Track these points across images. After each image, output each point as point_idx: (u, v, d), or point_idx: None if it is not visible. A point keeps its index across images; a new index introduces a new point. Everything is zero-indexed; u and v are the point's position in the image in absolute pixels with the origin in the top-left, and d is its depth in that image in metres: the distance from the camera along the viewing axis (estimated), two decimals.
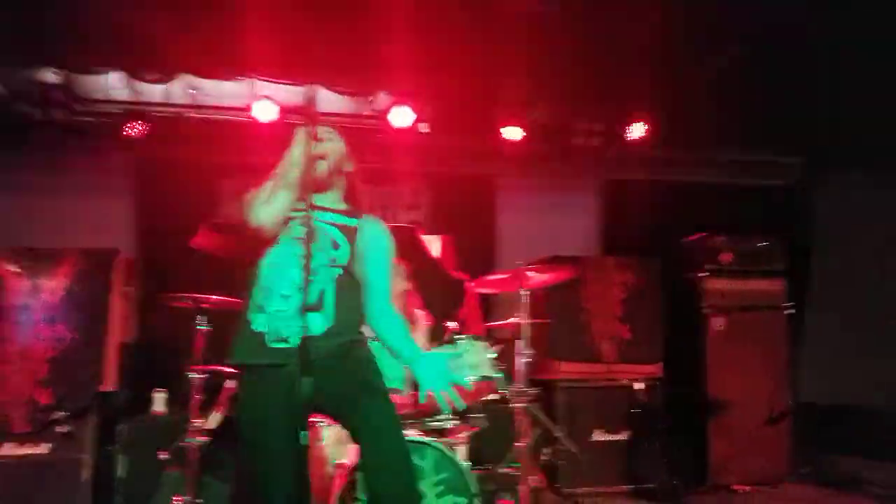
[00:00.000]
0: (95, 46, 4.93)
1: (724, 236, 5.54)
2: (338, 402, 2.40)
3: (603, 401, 5.10)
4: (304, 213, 2.21)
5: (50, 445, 4.30)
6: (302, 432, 2.08)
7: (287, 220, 2.41)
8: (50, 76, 5.19)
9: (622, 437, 5.10)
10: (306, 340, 2.10)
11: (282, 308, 2.31)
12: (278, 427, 2.23)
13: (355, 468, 3.17)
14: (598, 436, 5.06)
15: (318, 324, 2.32)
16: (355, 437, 2.43)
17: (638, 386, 5.11)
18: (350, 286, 2.44)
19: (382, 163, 6.02)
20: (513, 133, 5.97)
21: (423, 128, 6.04)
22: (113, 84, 5.41)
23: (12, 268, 4.40)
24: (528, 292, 4.07)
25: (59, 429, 4.29)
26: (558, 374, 5.09)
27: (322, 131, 2.47)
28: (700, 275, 5.43)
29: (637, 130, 6.03)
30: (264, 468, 2.31)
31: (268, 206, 2.36)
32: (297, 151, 2.37)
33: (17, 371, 4.28)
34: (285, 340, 2.28)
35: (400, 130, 5.72)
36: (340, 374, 2.33)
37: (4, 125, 5.37)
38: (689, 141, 6.52)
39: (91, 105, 5.49)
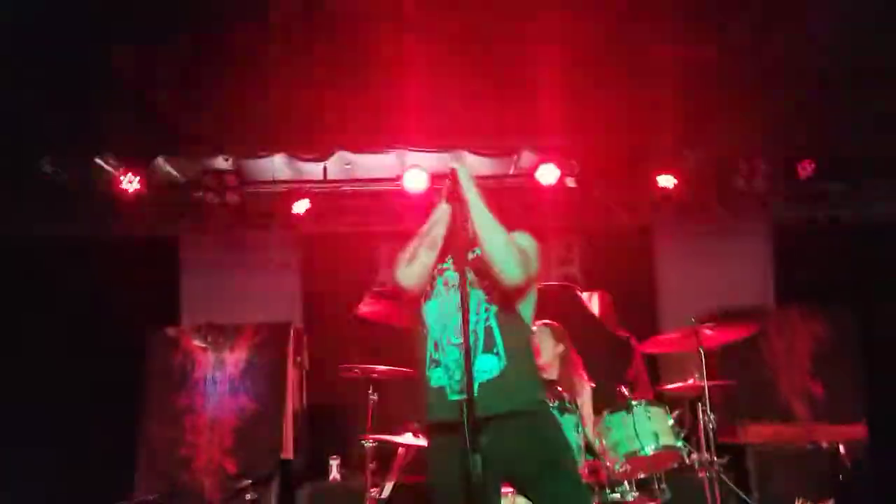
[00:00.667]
0: (260, 132, 5.33)
1: None
2: (522, 478, 2.32)
3: (801, 466, 4.61)
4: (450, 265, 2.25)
5: None
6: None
7: (435, 275, 2.43)
8: (222, 163, 5.66)
9: None
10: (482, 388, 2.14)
11: (456, 356, 2.27)
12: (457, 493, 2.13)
13: None
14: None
15: (493, 365, 2.28)
16: None
17: (842, 448, 4.55)
18: (512, 319, 2.39)
19: (530, 219, 5.98)
20: (667, 180, 5.71)
21: (570, 182, 5.96)
22: (277, 166, 5.82)
23: (199, 342, 4.73)
24: (704, 350, 3.78)
25: (247, 497, 4.47)
26: (747, 438, 4.66)
27: None
28: None
29: (806, 169, 5.56)
30: None
31: (409, 266, 2.41)
32: (441, 209, 2.42)
33: (208, 441, 4.57)
34: (463, 391, 2.20)
35: (548, 188, 5.65)
36: (525, 447, 2.25)
37: (187, 209, 5.90)
38: (866, 171, 5.93)
39: (259, 187, 5.92)
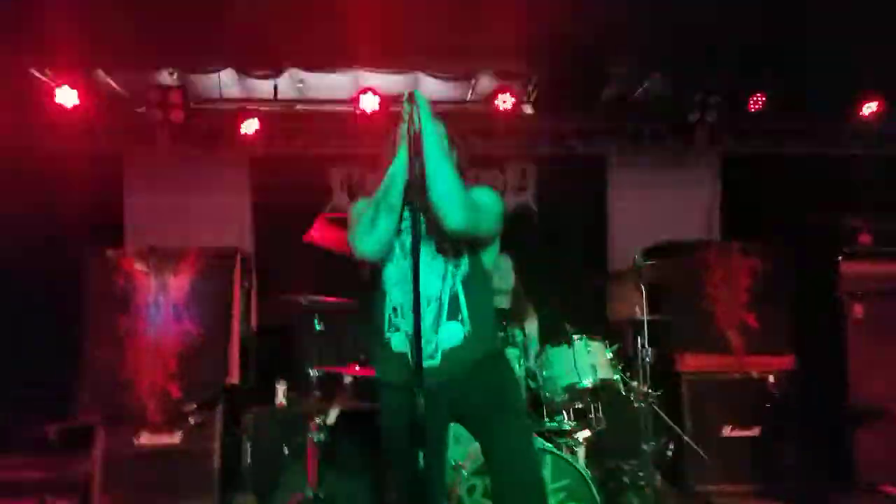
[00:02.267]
0: (206, 45, 5.06)
1: (862, 215, 5.03)
2: (470, 420, 2.38)
3: (732, 394, 4.80)
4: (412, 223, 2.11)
5: (181, 435, 4.52)
6: (420, 451, 2.00)
7: (399, 230, 2.34)
8: (167, 78, 5.39)
9: (753, 432, 4.80)
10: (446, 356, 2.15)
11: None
12: (405, 440, 2.18)
13: (475, 472, 3.12)
14: (728, 431, 4.77)
15: (457, 333, 2.27)
16: (486, 456, 2.37)
17: (771, 379, 4.76)
18: (478, 281, 2.35)
19: (487, 147, 5.93)
20: (621, 110, 5.67)
21: (527, 109, 5.89)
22: (225, 82, 5.56)
23: (141, 267, 4.63)
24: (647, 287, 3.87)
25: (190, 420, 4.50)
26: (684, 367, 4.82)
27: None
28: (836, 258, 4.97)
29: (758, 100, 5.58)
30: (396, 480, 2.39)
31: (370, 234, 2.29)
32: (398, 162, 2.26)
33: (151, 365, 4.52)
34: (430, 357, 2.24)
35: (504, 114, 5.57)
36: (474, 392, 2.28)
37: (131, 126, 5.65)
38: (818, 108, 5.98)
39: (206, 104, 5.68)
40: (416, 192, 2.12)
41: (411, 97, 2.16)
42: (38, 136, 5.54)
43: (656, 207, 6.18)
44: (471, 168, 2.56)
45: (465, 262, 2.34)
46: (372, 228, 2.28)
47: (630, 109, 5.72)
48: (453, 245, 2.33)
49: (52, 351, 5.06)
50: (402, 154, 2.24)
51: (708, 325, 4.89)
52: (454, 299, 2.28)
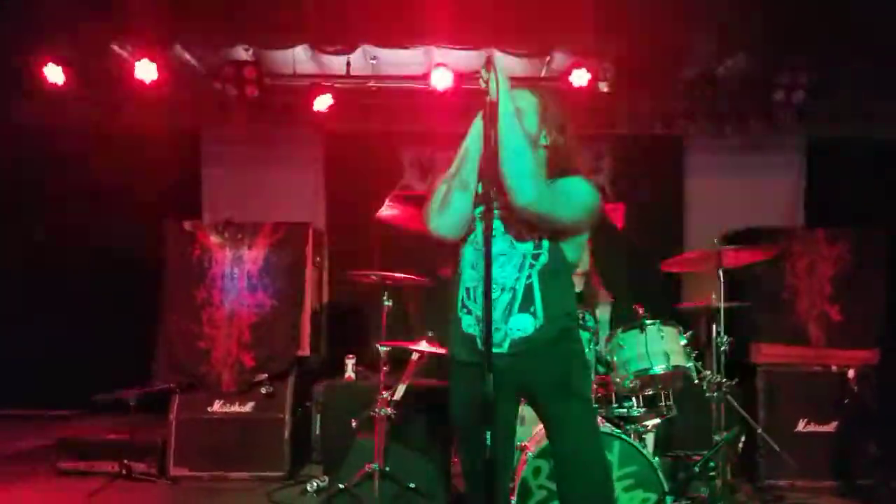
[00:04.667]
0: (280, 21, 5.11)
1: None
2: (536, 400, 2.33)
3: (809, 388, 4.60)
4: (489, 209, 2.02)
5: (253, 404, 4.66)
6: (488, 430, 1.98)
7: (476, 218, 2.27)
8: (242, 53, 5.49)
9: (830, 428, 4.60)
10: (514, 344, 2.12)
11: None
12: (476, 416, 2.16)
13: (540, 454, 3.10)
14: (803, 426, 4.59)
15: (528, 325, 2.21)
16: (549, 438, 2.34)
17: (850, 373, 4.54)
18: (557, 274, 2.27)
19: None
20: (702, 90, 5.46)
21: (603, 87, 5.73)
22: (298, 58, 5.62)
23: (217, 239, 4.76)
24: (724, 272, 3.73)
25: (262, 390, 4.62)
26: (759, 358, 4.65)
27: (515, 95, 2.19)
28: None
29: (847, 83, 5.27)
30: (463, 456, 2.35)
31: (442, 213, 2.24)
32: (472, 137, 2.20)
33: (226, 335, 4.67)
34: (498, 346, 2.18)
35: (579, 91, 5.44)
36: (542, 372, 2.24)
37: (207, 102, 5.79)
38: None
39: (280, 80, 5.76)
40: (489, 165, 2.04)
41: (489, 64, 2.09)
42: (119, 111, 5.73)
43: (737, 192, 5.96)
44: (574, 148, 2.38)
45: (544, 253, 2.26)
46: (444, 206, 2.23)
47: (711, 89, 5.47)
48: (531, 232, 2.25)
49: (133, 320, 5.28)
50: (477, 127, 2.18)
51: (787, 315, 4.69)
52: (528, 290, 2.22)
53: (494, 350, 2.08)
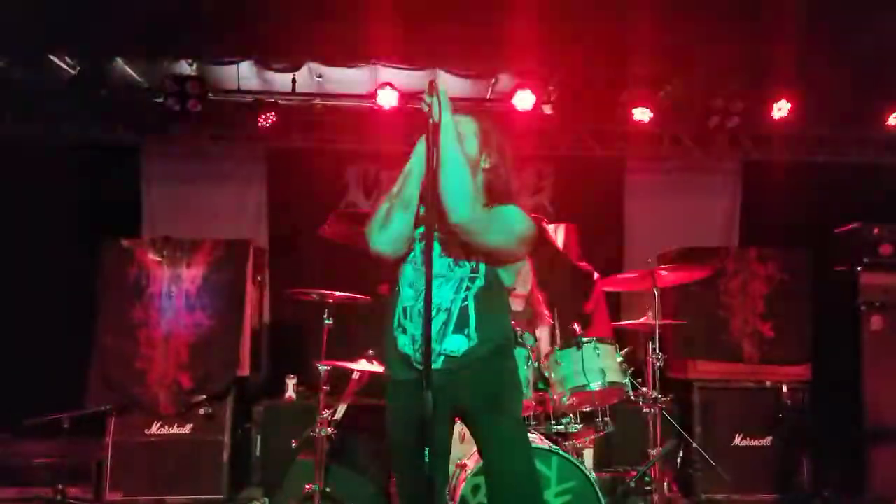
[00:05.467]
0: (225, 36, 5.08)
1: (882, 225, 4.94)
2: (466, 413, 2.34)
3: (744, 404, 4.76)
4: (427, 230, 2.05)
5: (192, 426, 4.56)
6: (425, 449, 1.99)
7: (415, 239, 2.30)
8: (185, 68, 5.42)
9: (765, 442, 4.74)
10: (447, 361, 2.15)
11: (422, 331, 2.17)
12: (413, 435, 2.14)
13: (478, 471, 3.11)
14: (739, 440, 4.73)
15: (461, 345, 2.23)
16: (480, 450, 2.36)
17: (784, 388, 4.70)
18: (492, 297, 2.30)
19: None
20: (642, 114, 5.64)
21: (547, 109, 5.86)
22: (244, 74, 5.58)
23: (154, 256, 4.66)
24: (659, 290, 3.82)
25: (201, 411, 4.53)
26: (694, 374, 4.78)
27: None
28: (855, 268, 4.89)
29: (781, 109, 5.52)
30: (400, 475, 2.38)
31: (383, 231, 2.26)
32: (415, 158, 2.23)
33: (163, 356, 4.56)
34: (433, 363, 2.17)
35: (523, 113, 5.54)
36: (473, 385, 2.25)
37: (146, 117, 5.68)
38: (839, 118, 5.90)
39: (224, 95, 5.70)
40: (430, 187, 2.08)
41: (431, 87, 2.13)
42: (58, 123, 5.59)
43: (674, 213, 6.15)
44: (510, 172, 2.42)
45: (481, 277, 2.29)
46: (386, 225, 2.24)
47: (651, 113, 5.65)
48: (468, 255, 2.28)
49: (66, 339, 5.09)
50: (420, 148, 2.21)
51: (722, 332, 4.84)
52: (463, 312, 2.25)
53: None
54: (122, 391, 4.50)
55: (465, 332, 2.24)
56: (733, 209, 6.38)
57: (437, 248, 2.26)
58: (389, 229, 2.25)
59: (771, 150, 6.17)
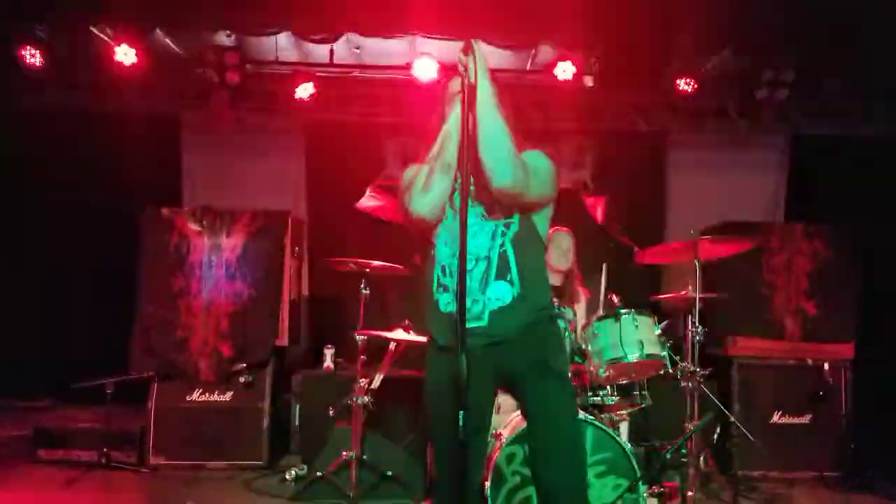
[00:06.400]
0: (264, 7, 5.07)
1: None
2: (513, 382, 2.34)
3: (784, 381, 4.66)
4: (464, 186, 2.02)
5: (232, 394, 4.64)
6: (461, 412, 1.98)
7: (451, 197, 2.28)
8: (224, 39, 5.44)
9: (804, 420, 4.65)
10: (492, 315, 2.14)
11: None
12: (451, 401, 2.13)
13: (514, 440, 3.11)
14: (778, 418, 4.64)
15: (505, 293, 2.22)
16: (526, 419, 2.36)
17: (826, 367, 4.59)
18: (529, 243, 2.29)
19: (545, 120, 5.82)
20: (687, 85, 5.48)
21: (588, 82, 5.74)
22: (282, 45, 5.58)
23: (194, 226, 4.72)
24: (701, 264, 3.74)
25: (241, 379, 4.60)
26: (735, 351, 4.69)
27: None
28: None
29: (829, 81, 5.33)
30: (437, 443, 2.36)
31: (425, 195, 2.23)
32: (453, 118, 2.20)
33: (203, 324, 4.64)
34: (478, 318, 2.20)
35: (563, 85, 5.44)
36: (520, 354, 2.24)
37: (188, 87, 5.74)
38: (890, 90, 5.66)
39: (262, 67, 5.72)
40: (467, 148, 2.04)
41: (468, 47, 2.10)
42: (99, 96, 5.68)
43: (718, 189, 6.00)
44: (524, 138, 2.41)
45: (516, 222, 2.28)
46: (427, 190, 2.22)
47: (695, 85, 5.50)
48: (504, 208, 2.27)
49: (109, 307, 5.22)
50: (456, 110, 2.17)
51: (764, 308, 4.74)
52: (503, 258, 2.23)
53: (474, 323, 2.15)
54: (163, 359, 4.59)
55: (508, 279, 2.23)
56: (780, 185, 6.20)
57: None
58: (430, 193, 2.23)
59: (821, 124, 5.96)
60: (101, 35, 5.23)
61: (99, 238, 5.72)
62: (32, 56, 5.15)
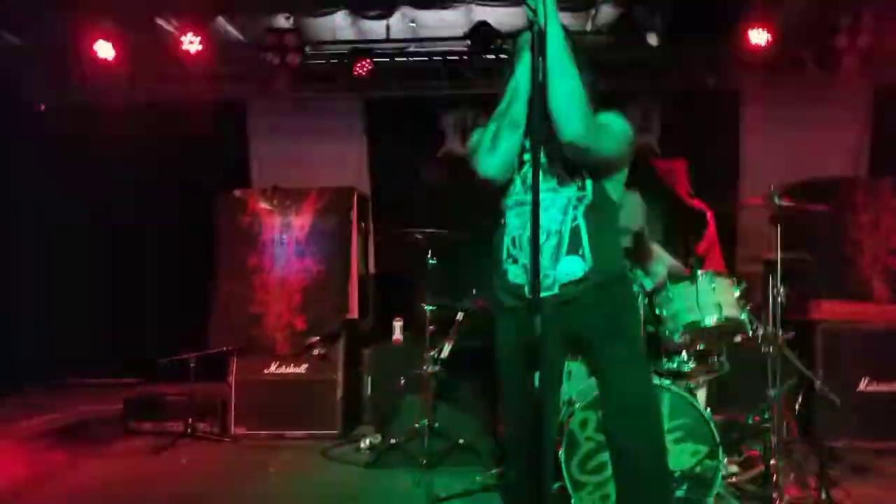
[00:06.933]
0: None
1: None
2: (584, 344, 2.30)
3: (873, 346, 4.40)
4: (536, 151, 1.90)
5: (307, 366, 4.76)
6: (535, 373, 1.94)
7: (521, 161, 2.23)
8: (283, 22, 5.51)
9: (893, 388, 4.41)
10: (564, 288, 2.09)
11: None
12: (521, 361, 2.08)
13: (587, 406, 3.06)
14: (865, 385, 4.41)
15: (577, 267, 2.17)
16: (598, 383, 2.31)
17: None
18: (602, 214, 2.22)
19: (607, 83, 5.64)
20: (759, 36, 5.20)
21: (652, 40, 5.52)
22: (339, 24, 5.62)
23: (265, 205, 4.84)
24: (782, 224, 3.56)
25: (314, 352, 4.72)
26: (819, 315, 4.47)
27: None
28: None
29: None
30: (509, 404, 2.33)
31: (492, 154, 2.16)
32: (521, 74, 2.12)
33: (277, 300, 4.77)
34: (548, 289, 2.15)
35: (626, 44, 5.27)
36: (590, 312, 2.19)
37: (252, 72, 5.84)
38: None
39: (321, 47, 5.77)
40: (538, 100, 1.88)
41: None
42: (168, 85, 5.87)
43: (796, 146, 5.72)
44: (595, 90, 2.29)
45: (588, 192, 2.21)
46: (494, 147, 2.15)
47: (767, 35, 5.21)
48: (576, 170, 2.20)
49: (192, 286, 5.42)
50: (525, 61, 2.09)
51: (849, 270, 4.49)
52: (575, 233, 2.17)
53: (544, 293, 2.07)
54: (241, 334, 4.75)
55: (580, 253, 2.17)
56: (862, 139, 5.85)
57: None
58: (498, 151, 2.16)
59: None
60: (166, 26, 5.38)
61: (176, 222, 5.96)
62: (105, 50, 5.34)
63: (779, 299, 3.43)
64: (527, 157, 2.21)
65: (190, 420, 4.62)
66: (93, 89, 5.84)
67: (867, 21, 5.03)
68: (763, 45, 5.23)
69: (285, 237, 4.81)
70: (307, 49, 5.60)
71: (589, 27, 5.52)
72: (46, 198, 6.25)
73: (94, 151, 6.16)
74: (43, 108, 6.18)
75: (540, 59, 1.87)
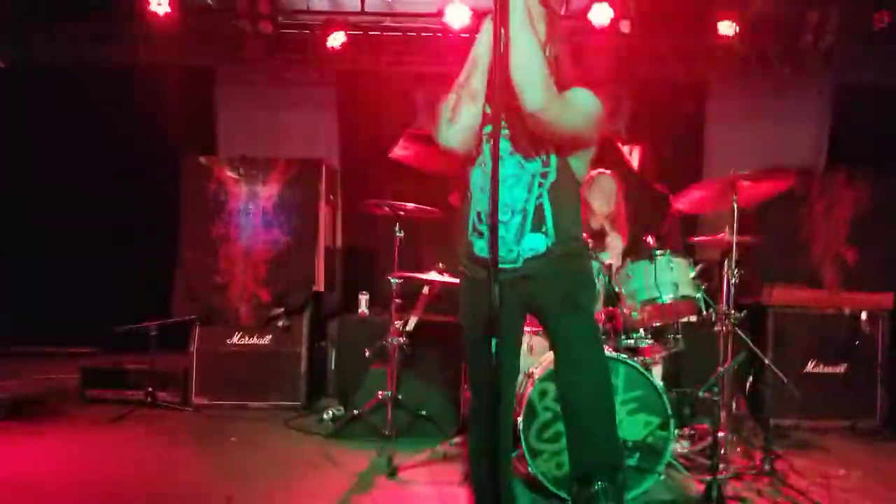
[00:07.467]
0: None
1: None
2: (542, 312, 2.37)
3: (820, 330, 4.60)
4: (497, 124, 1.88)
5: (271, 338, 4.77)
6: (493, 339, 2.00)
7: (483, 139, 2.26)
8: None
9: (839, 370, 4.61)
10: (528, 262, 2.19)
11: (501, 234, 2.22)
12: (483, 327, 2.18)
13: (546, 377, 3.15)
14: (812, 367, 4.61)
15: (540, 243, 2.24)
16: (553, 348, 2.39)
17: (863, 316, 4.53)
18: (566, 191, 2.28)
19: (578, 70, 5.70)
20: (728, 28, 5.33)
21: (624, 28, 5.61)
22: None
23: (232, 174, 4.80)
24: (738, 210, 3.68)
25: (279, 324, 4.72)
26: (771, 300, 4.64)
27: None
28: None
29: (882, 18, 5.12)
30: (471, 367, 2.47)
31: (452, 125, 2.17)
32: (481, 45, 2.12)
33: (242, 270, 4.75)
34: (512, 262, 2.24)
35: (599, 32, 5.34)
36: (550, 285, 2.27)
37: (221, 38, 5.76)
38: None
39: (294, 16, 5.71)
40: (498, 70, 1.82)
41: None
42: (134, 48, 5.73)
43: (758, 138, 5.87)
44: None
45: (553, 169, 2.25)
46: (454, 118, 2.16)
47: (736, 27, 5.33)
48: (538, 147, 2.24)
49: (152, 254, 5.36)
50: (487, 32, 2.11)
51: (802, 257, 4.66)
52: (539, 210, 2.23)
53: (508, 265, 2.17)
54: (203, 303, 4.72)
55: (543, 230, 2.24)
56: (822, 135, 6.04)
57: (505, 146, 2.23)
58: (458, 123, 2.17)
59: (867, 72, 5.76)
60: None
61: (138, 187, 5.87)
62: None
63: (733, 281, 3.55)
64: (487, 128, 2.23)
65: (150, 389, 4.60)
66: (58, 49, 5.70)
67: (832, 21, 5.17)
68: (731, 37, 5.35)
69: (252, 207, 4.78)
70: (280, 18, 5.53)
71: (562, 10, 5.54)
72: (2, 162, 6.09)
73: (53, 114, 6.02)
74: (2, 66, 5.99)
75: (502, 29, 1.82)
